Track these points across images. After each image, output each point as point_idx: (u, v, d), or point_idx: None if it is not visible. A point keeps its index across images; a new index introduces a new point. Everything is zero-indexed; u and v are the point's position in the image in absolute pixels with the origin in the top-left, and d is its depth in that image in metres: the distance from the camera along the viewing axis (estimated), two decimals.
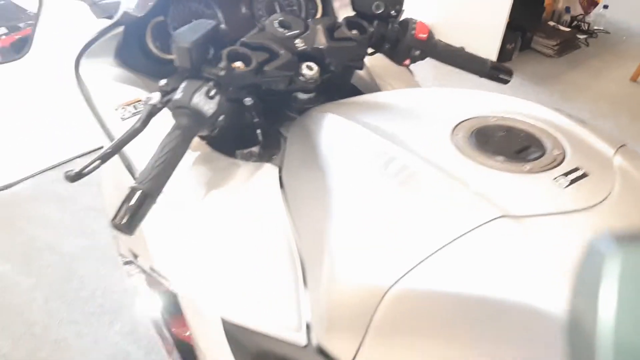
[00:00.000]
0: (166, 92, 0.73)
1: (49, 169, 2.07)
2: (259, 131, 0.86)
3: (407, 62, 0.91)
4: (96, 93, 0.85)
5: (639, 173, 0.58)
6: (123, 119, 0.83)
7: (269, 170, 0.77)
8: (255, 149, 0.86)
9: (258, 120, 0.83)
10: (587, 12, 3.36)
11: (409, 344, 0.56)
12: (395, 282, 0.52)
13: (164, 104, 0.73)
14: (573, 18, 3.34)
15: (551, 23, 3.30)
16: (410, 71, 1.06)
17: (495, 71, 0.91)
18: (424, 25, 0.88)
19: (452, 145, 0.60)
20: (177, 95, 0.70)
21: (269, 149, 0.84)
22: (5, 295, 1.59)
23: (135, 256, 0.85)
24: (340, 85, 0.92)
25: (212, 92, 0.70)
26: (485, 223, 0.51)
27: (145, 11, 0.73)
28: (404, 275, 0.52)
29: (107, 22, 0.86)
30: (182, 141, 0.68)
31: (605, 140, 0.61)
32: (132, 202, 0.63)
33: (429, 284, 0.51)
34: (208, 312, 0.71)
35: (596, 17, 3.36)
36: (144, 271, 0.91)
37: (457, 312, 0.51)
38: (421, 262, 0.51)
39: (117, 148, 0.71)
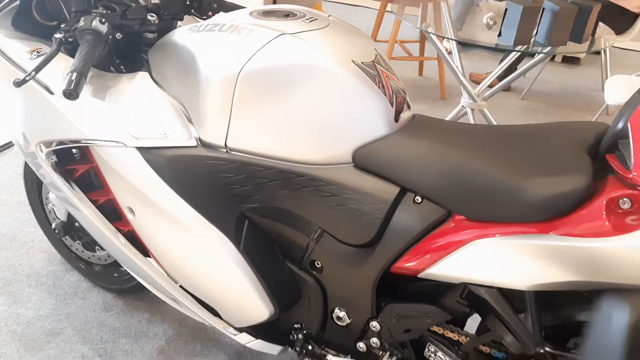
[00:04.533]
0: (67, 30, 1.17)
1: None
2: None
3: (210, 13, 1.47)
4: (7, 47, 1.23)
5: (340, 20, 1.21)
6: (31, 59, 1.23)
7: (143, 75, 1.25)
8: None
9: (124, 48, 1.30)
10: None
11: (257, 113, 1.08)
12: (240, 71, 1.06)
13: (67, 36, 1.16)
14: None
15: None
16: None
17: None
18: None
19: (250, 17, 1.17)
20: (81, 23, 1.14)
21: (136, 66, 1.31)
22: None
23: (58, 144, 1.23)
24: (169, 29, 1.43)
25: (103, 20, 1.16)
26: (276, 37, 1.08)
27: None
28: (242, 67, 1.06)
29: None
30: (92, 49, 1.13)
31: (320, 12, 1.24)
32: (74, 77, 1.06)
33: (259, 68, 1.05)
34: (127, 152, 1.15)
35: None
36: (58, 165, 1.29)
37: (281, 80, 1.05)
38: (250, 57, 1.06)
39: (44, 64, 1.13)
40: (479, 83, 2.72)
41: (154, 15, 1.32)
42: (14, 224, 2.08)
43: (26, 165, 1.71)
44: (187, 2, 1.43)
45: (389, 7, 3.65)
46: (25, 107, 1.26)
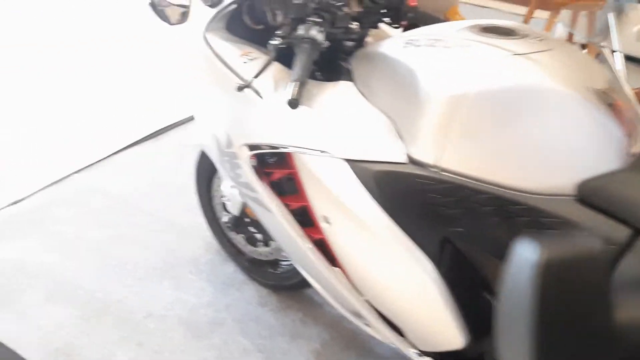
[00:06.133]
0: (283, 37, 1.19)
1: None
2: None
3: (404, 22, 1.44)
4: (222, 50, 1.27)
5: (566, 42, 1.14)
6: (245, 63, 1.27)
7: (347, 85, 1.24)
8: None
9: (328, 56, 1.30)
10: None
11: (479, 135, 1.03)
12: (468, 91, 1.01)
13: (283, 43, 1.18)
14: None
15: None
16: None
17: None
18: None
19: (472, 33, 1.12)
20: (300, 32, 1.15)
21: (334, 74, 1.30)
22: (62, 276, 1.82)
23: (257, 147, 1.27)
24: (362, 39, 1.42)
25: (321, 29, 1.17)
26: (508, 57, 1.02)
27: None
28: (472, 87, 1.01)
29: (217, 7, 1.29)
30: (309, 57, 1.13)
31: (544, 32, 1.17)
32: (296, 88, 1.07)
33: (489, 89, 1.00)
34: (334, 162, 1.15)
35: None
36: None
37: (511, 102, 1.00)
38: (481, 78, 1.01)
39: (262, 69, 1.16)
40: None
41: (355, 23, 1.32)
42: (174, 209, 2.19)
43: (201, 157, 1.78)
44: (383, 10, 1.41)
45: (536, 13, 3.48)
46: (233, 109, 1.30)
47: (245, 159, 1.30)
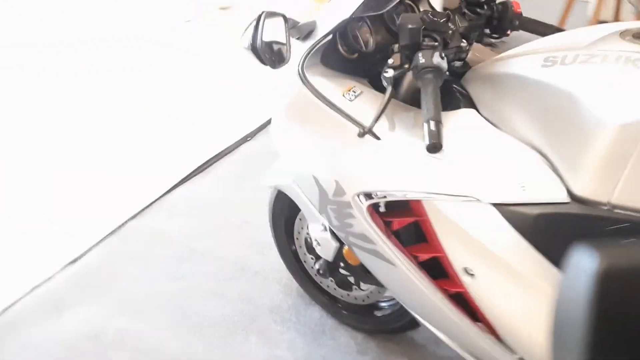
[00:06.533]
0: (398, 67, 1.03)
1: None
2: None
3: (508, 32, 1.28)
4: (322, 87, 1.11)
5: None
6: (350, 101, 1.11)
7: (469, 112, 1.08)
8: None
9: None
10: None
11: None
12: None
13: (400, 73, 1.02)
14: None
15: None
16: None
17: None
18: (517, 3, 1.26)
19: (627, 43, 0.95)
20: (421, 60, 0.99)
21: (450, 100, 1.14)
22: (142, 342, 1.67)
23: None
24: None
25: (443, 55, 1.01)
26: None
27: (386, 8, 1.04)
28: None
29: (312, 39, 1.13)
30: (436, 89, 0.97)
31: None
32: (434, 129, 0.91)
33: None
34: (481, 208, 0.99)
35: None
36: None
37: None
38: None
39: (383, 109, 1.00)
40: None
41: (464, 41, 1.16)
42: (240, 251, 2.03)
43: (277, 198, 1.62)
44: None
45: None
46: (343, 153, 1.14)
47: (362, 208, 1.13)
